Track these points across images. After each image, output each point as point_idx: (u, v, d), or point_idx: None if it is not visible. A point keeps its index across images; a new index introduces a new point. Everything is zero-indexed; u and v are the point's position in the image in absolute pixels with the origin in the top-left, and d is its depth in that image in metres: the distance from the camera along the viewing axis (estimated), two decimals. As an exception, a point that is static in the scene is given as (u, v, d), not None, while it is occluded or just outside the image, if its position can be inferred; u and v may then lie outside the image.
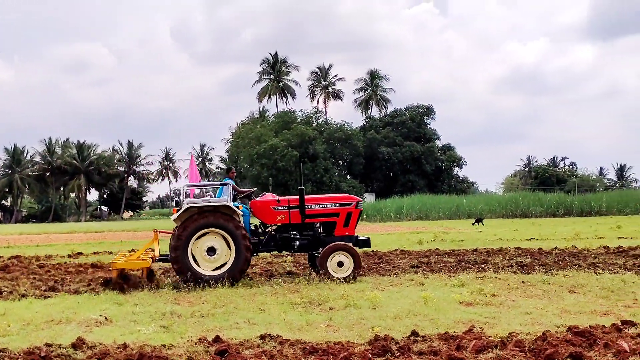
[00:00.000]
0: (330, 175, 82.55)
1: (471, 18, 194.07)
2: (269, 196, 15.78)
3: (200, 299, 12.24)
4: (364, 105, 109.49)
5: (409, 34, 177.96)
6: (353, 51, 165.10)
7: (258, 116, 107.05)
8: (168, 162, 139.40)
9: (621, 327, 8.82)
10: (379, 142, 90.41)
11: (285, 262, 18.54)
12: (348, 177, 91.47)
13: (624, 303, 11.05)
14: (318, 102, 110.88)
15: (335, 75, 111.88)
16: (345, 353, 7.66)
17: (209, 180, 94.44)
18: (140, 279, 14.61)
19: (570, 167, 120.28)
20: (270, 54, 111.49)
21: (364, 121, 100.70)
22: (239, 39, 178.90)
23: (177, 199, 15.48)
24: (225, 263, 14.27)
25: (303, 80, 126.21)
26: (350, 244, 14.91)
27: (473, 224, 45.05)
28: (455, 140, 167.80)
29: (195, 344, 8.26)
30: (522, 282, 13.63)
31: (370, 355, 7.55)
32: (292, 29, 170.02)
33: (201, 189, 16.57)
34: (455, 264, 17.49)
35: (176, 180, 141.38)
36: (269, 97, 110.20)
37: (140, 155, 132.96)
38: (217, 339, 8.45)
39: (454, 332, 8.82)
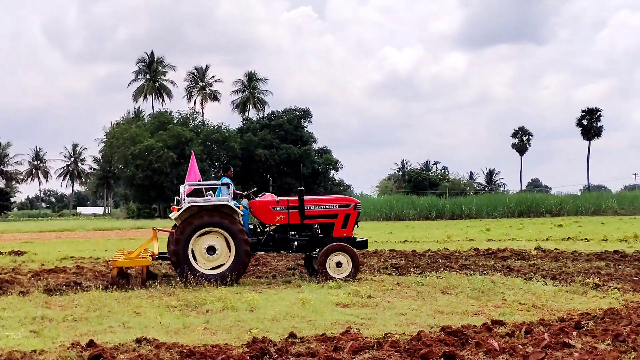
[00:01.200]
0: (206, 177, 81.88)
1: (349, 23, 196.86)
2: (269, 196, 15.87)
3: (72, 302, 11.84)
4: (242, 107, 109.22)
5: (287, 37, 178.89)
6: (231, 53, 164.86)
7: (133, 116, 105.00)
8: (38, 162, 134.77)
9: (491, 326, 9.12)
10: (256, 144, 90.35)
11: (161, 264, 18.22)
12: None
13: (494, 303, 11.44)
14: (195, 103, 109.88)
15: (213, 77, 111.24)
16: (223, 356, 7.59)
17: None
18: (140, 277, 14.45)
19: (443, 171, 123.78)
20: (147, 53, 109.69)
21: (241, 123, 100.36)
22: (114, 37, 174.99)
23: (177, 197, 15.40)
24: (225, 262, 14.41)
25: (180, 80, 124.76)
26: (349, 245, 14.99)
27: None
28: (332, 143, 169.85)
29: (68, 348, 7.96)
30: (397, 283, 13.91)
31: (248, 358, 7.50)
32: (169, 29, 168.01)
33: (202, 188, 16.21)
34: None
35: (46, 180, 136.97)
36: (145, 97, 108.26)
37: (8, 155, 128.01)
38: (90, 344, 8.18)
39: (332, 333, 8.88)
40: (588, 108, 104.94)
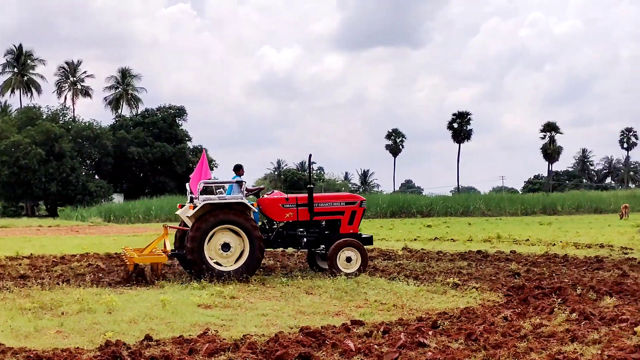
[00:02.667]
0: (77, 174, 79.47)
1: (228, 22, 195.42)
2: (278, 194, 16.30)
3: None
4: (115, 104, 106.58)
5: (164, 34, 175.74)
6: (105, 48, 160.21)
7: (0, 111, 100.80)
8: None
9: (350, 326, 9.16)
10: (129, 142, 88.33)
11: (20, 265, 17.50)
12: (96, 176, 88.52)
13: (356, 303, 11.54)
14: (65, 98, 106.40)
15: (85, 72, 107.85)
16: (72, 360, 7.31)
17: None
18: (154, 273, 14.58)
19: (318, 171, 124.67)
20: (15, 46, 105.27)
21: (114, 120, 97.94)
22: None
23: (190, 195, 15.71)
24: (239, 259, 14.70)
25: (50, 75, 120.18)
26: (358, 241, 15.43)
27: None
28: (208, 142, 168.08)
29: None
30: (263, 283, 13.83)
31: (98, 362, 7.26)
32: (40, 20, 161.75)
33: (212, 186, 16.19)
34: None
35: None
36: (12, 92, 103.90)
37: None
38: None
39: (189, 335, 8.73)
40: (458, 111, 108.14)
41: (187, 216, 15.03)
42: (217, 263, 14.58)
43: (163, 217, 59.44)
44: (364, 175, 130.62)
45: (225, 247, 14.67)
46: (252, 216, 15.08)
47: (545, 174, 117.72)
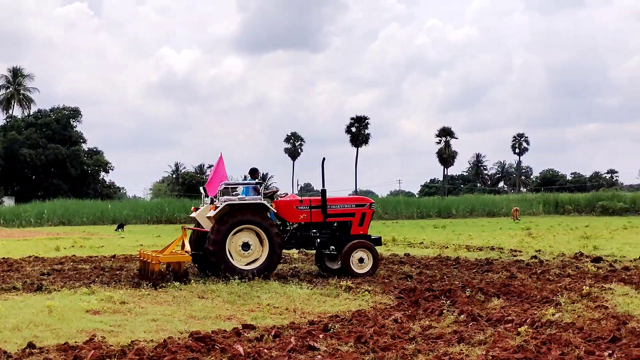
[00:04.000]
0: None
1: (126, 22, 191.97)
2: (292, 196, 16.85)
3: None
4: (5, 104, 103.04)
5: (60, 33, 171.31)
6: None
7: None
8: None
9: (241, 331, 9.09)
10: (21, 143, 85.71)
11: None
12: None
13: (248, 307, 11.46)
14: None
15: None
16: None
17: None
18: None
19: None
20: None
21: (4, 121, 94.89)
22: None
23: (211, 197, 16.13)
24: (258, 258, 15.18)
25: None
26: (370, 243, 15.94)
27: (116, 230, 44.36)
28: (104, 144, 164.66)
29: None
30: (155, 288, 13.56)
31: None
32: None
33: (228, 187, 16.26)
34: (90, 271, 16.99)
35: None
36: None
37: None
38: None
39: (75, 342, 8.47)
40: (357, 116, 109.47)
41: (207, 217, 15.56)
42: (237, 262, 15.07)
43: (56, 221, 57.90)
44: (263, 179, 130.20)
45: (245, 246, 15.19)
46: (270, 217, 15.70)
47: (441, 178, 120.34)
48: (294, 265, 18.33)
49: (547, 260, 18.83)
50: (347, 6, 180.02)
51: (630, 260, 18.29)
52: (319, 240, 16.11)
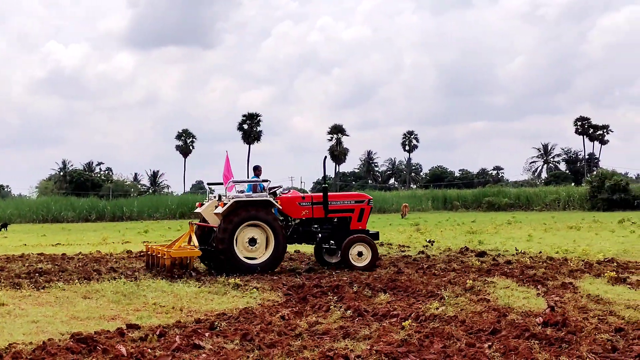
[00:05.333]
0: None
1: (10, 15, 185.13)
2: (294, 193, 17.35)
3: None
4: None
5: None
6: None
7: None
8: None
9: (125, 331, 8.91)
10: None
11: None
12: None
13: (134, 306, 11.23)
14: None
15: None
16: None
17: None
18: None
19: (106, 172, 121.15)
20: None
21: None
22: None
23: (219, 194, 16.84)
24: (264, 253, 15.72)
25: None
26: (369, 237, 16.49)
27: (-1, 230, 42.80)
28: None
29: None
30: (36, 289, 13.13)
31: None
32: None
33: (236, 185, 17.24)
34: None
35: None
36: None
37: None
38: None
39: (-52, 346, 8.10)
40: (249, 113, 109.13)
41: (215, 213, 16.00)
42: (245, 257, 15.55)
43: None
44: (154, 176, 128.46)
45: (252, 241, 15.68)
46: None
47: (333, 175, 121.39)
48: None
49: (433, 255, 19.27)
50: (239, 3, 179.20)
51: (513, 254, 18.93)
52: (320, 235, 16.78)
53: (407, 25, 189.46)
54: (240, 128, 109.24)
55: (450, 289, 12.24)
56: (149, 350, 7.81)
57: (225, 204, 15.71)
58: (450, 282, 13.19)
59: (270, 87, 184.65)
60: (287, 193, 17.17)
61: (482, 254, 19.04)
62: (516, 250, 19.98)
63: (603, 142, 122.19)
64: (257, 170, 18.71)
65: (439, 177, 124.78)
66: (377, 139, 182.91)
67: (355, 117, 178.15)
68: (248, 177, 18.67)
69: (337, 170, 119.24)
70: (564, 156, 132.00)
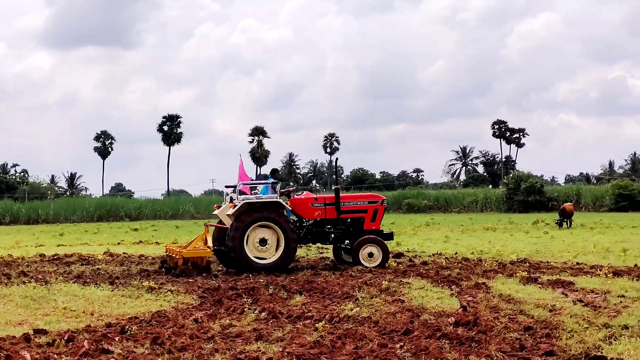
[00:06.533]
0: None
1: None
2: (307, 194, 17.57)
3: None
4: None
5: None
6: None
7: None
8: None
9: (32, 336, 8.64)
10: None
11: None
12: None
13: (43, 311, 10.91)
14: None
15: None
16: None
17: None
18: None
19: (22, 174, 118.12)
20: None
21: None
22: None
23: (231, 195, 16.97)
24: (275, 253, 16.04)
25: None
26: (380, 238, 16.73)
27: None
28: None
29: None
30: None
31: None
32: None
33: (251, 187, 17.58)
34: None
35: None
36: None
37: None
38: None
39: None
40: (169, 114, 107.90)
41: (227, 214, 16.36)
42: (256, 257, 15.86)
43: None
44: (72, 178, 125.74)
45: (263, 242, 16.03)
46: (286, 214, 16.46)
47: (254, 177, 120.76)
48: (97, 266, 17.66)
49: (351, 257, 19.33)
50: (161, 3, 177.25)
51: (429, 255, 19.18)
52: (333, 235, 17.13)
53: (330, 28, 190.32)
54: (160, 130, 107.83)
55: (365, 290, 12.31)
56: (55, 355, 7.59)
57: (235, 206, 16.05)
58: (366, 283, 13.26)
59: (191, 89, 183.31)
60: (300, 194, 17.62)
61: (399, 255, 19.21)
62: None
63: (519, 145, 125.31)
64: (275, 173, 18.92)
65: (360, 179, 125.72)
66: (299, 141, 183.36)
67: (277, 119, 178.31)
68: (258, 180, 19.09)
69: (258, 172, 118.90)
70: (482, 159, 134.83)
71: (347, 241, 17.09)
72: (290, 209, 16.80)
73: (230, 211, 16.21)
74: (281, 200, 16.44)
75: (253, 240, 15.97)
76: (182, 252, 15.81)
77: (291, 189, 18.42)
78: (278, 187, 16.96)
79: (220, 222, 17.13)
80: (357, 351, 7.76)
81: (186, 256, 15.68)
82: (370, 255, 16.50)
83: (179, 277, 14.93)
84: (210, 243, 16.50)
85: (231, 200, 16.85)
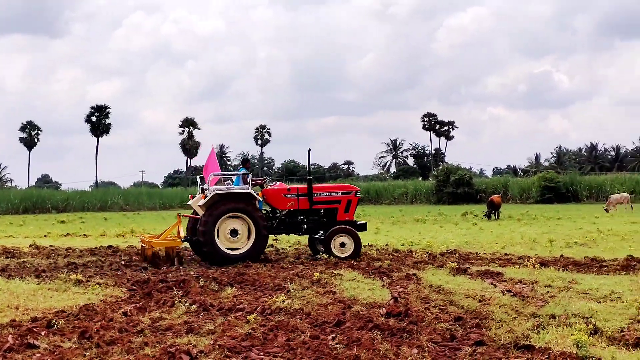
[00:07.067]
0: None
1: None
2: (280, 185, 17.78)
3: None
4: None
5: None
6: None
7: None
8: None
9: (-47, 332, 8.37)
10: None
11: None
12: None
13: (-35, 306, 10.58)
14: None
15: None
16: None
17: None
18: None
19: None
20: None
21: None
22: None
23: (202, 186, 16.92)
24: (245, 244, 16.08)
25: None
26: (351, 227, 16.70)
27: None
28: None
29: None
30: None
31: None
32: None
33: (220, 178, 17.49)
34: None
35: None
36: None
37: None
38: None
39: None
40: (97, 105, 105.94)
41: (199, 205, 16.30)
42: (227, 248, 15.92)
43: None
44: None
45: (234, 233, 16.05)
46: (257, 205, 16.47)
47: (185, 169, 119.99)
48: (22, 259, 17.22)
49: (283, 249, 19.35)
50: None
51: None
52: (305, 226, 17.08)
53: (262, 20, 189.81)
54: (88, 120, 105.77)
55: (297, 281, 12.30)
56: (-22, 351, 7.37)
57: (206, 197, 16.11)
58: (298, 275, 13.25)
59: (120, 79, 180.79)
60: (273, 185, 17.76)
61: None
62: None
63: (449, 137, 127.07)
64: (246, 163, 19.03)
65: (292, 171, 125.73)
66: (230, 132, 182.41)
67: (208, 111, 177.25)
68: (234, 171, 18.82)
69: (189, 164, 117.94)
70: (412, 151, 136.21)
71: (322, 232, 17.01)
72: (262, 199, 16.88)
73: (202, 202, 16.25)
74: (252, 191, 16.44)
75: (224, 231, 16.04)
76: (151, 243, 15.99)
77: (264, 179, 18.39)
78: (249, 177, 16.85)
79: (195, 212, 17.10)
80: (289, 343, 7.74)
81: (155, 246, 15.92)
82: (342, 245, 16.53)
83: (149, 267, 15.12)
84: (182, 233, 16.62)
85: (202, 191, 16.91)
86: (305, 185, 17.33)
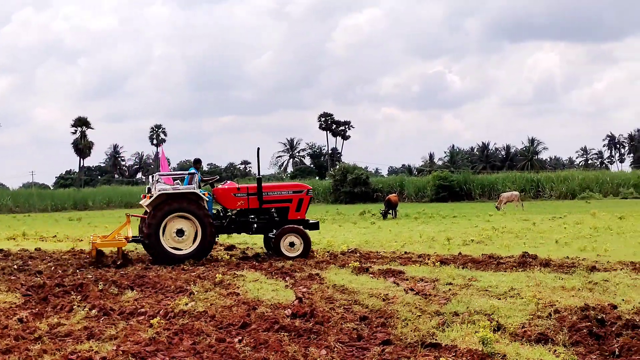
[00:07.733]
0: None
1: None
2: (230, 184, 17.57)
3: None
4: None
5: None
6: None
7: None
8: None
9: None
10: None
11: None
12: None
13: None
14: None
15: None
16: None
17: None
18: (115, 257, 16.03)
19: None
20: None
21: None
22: None
23: (149, 186, 16.90)
24: (192, 244, 15.97)
25: None
26: (301, 227, 16.67)
27: None
28: None
29: None
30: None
31: None
32: None
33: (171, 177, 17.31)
34: None
35: None
36: None
37: None
38: None
39: None
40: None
41: (144, 205, 16.33)
42: (172, 248, 15.82)
43: None
44: None
45: (180, 233, 15.94)
46: (206, 205, 16.26)
47: (77, 169, 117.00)
48: None
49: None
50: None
51: (261, 247, 19.13)
52: (256, 225, 17.01)
53: (157, 17, 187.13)
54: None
55: (199, 283, 12.09)
56: None
57: (152, 196, 16.00)
58: (200, 276, 13.04)
59: (9, 76, 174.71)
60: (224, 184, 17.59)
61: (231, 247, 19.13)
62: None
63: (345, 137, 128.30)
64: (197, 163, 18.68)
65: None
66: (124, 132, 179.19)
67: (101, 109, 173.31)
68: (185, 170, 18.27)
69: (81, 164, 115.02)
70: (309, 151, 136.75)
71: (275, 230, 16.96)
72: (209, 199, 16.68)
73: (147, 202, 16.16)
74: (198, 191, 16.26)
75: (170, 231, 15.93)
76: (95, 243, 15.84)
77: (214, 177, 18.30)
78: (197, 177, 16.80)
79: (147, 212, 16.72)
80: (195, 347, 7.59)
81: (99, 247, 15.81)
82: (292, 245, 16.46)
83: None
84: (130, 233, 16.55)
85: (149, 190, 16.86)
86: (255, 185, 17.22)
